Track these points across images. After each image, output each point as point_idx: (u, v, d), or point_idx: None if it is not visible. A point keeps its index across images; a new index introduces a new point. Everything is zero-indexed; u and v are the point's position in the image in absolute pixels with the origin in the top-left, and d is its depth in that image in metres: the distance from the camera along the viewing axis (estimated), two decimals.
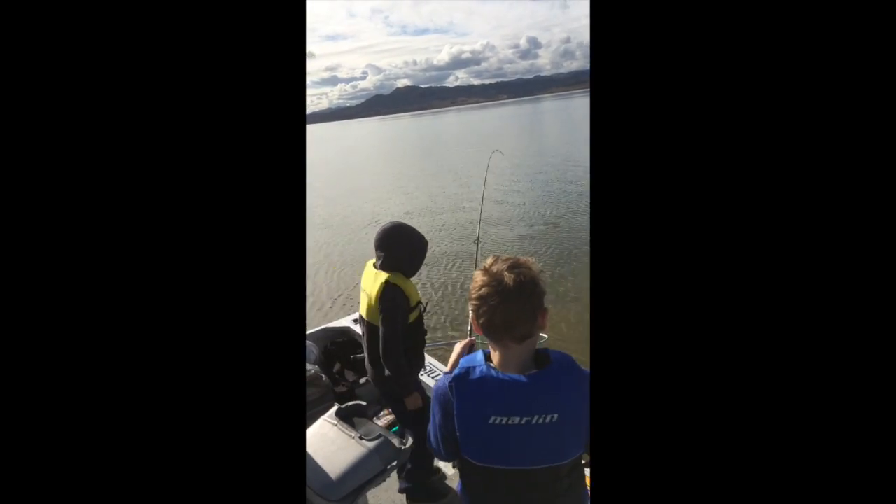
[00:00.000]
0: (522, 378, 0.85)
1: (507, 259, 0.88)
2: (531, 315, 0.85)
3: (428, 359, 2.36)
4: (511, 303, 0.83)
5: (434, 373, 2.34)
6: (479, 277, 0.88)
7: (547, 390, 0.84)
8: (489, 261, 0.89)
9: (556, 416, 0.83)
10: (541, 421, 0.84)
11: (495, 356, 0.90)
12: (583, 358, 0.81)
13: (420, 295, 1.76)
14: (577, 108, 55.07)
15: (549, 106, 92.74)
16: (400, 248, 1.67)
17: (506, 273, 0.85)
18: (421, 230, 1.78)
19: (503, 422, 0.85)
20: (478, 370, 0.89)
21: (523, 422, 0.84)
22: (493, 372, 0.87)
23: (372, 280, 1.70)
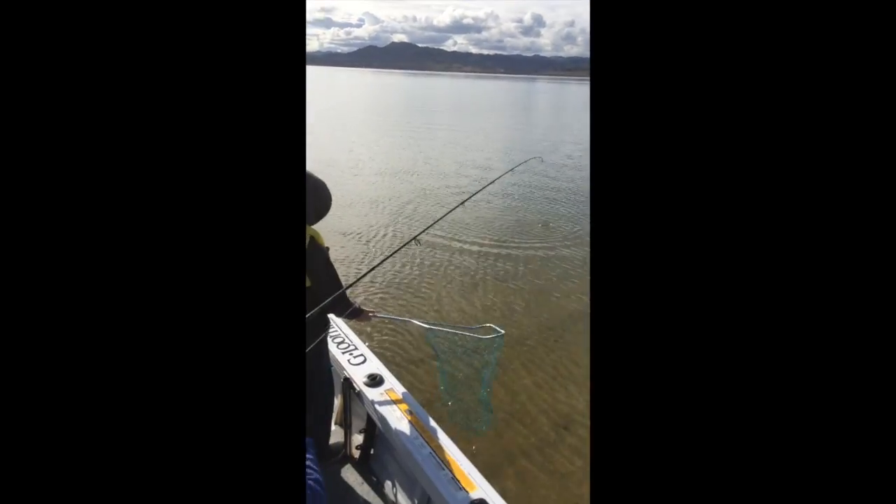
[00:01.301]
0: None
1: None
2: None
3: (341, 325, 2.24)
4: None
5: (348, 346, 2.09)
6: None
7: None
8: None
9: None
10: None
11: None
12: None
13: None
14: (574, 94, 55.90)
15: (545, 87, 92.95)
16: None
17: None
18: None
19: None
20: None
21: None
22: None
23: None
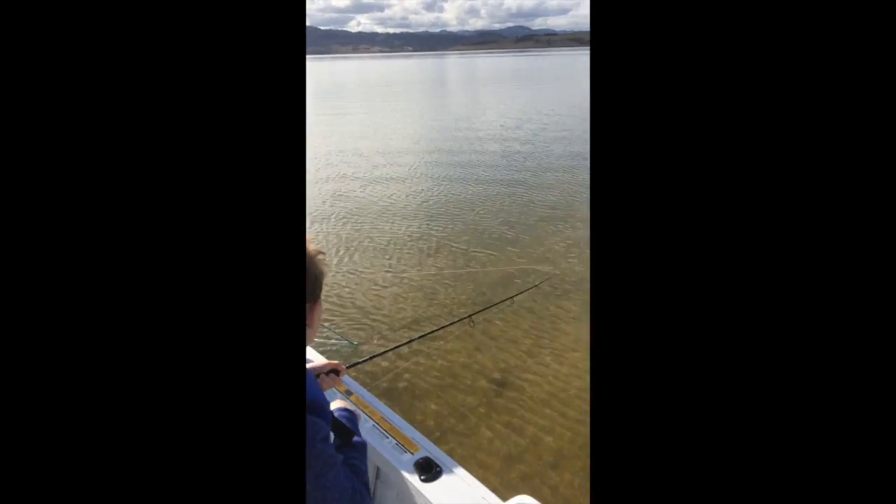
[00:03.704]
0: None
1: None
2: None
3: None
4: None
5: None
6: None
7: None
8: None
9: None
10: None
11: None
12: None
13: None
14: (481, 66, 56.86)
15: (455, 62, 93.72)
16: None
17: None
18: None
19: None
20: None
21: None
22: None
23: None
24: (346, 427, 0.92)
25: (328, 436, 0.80)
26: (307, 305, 0.81)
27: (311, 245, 0.82)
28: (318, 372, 1.12)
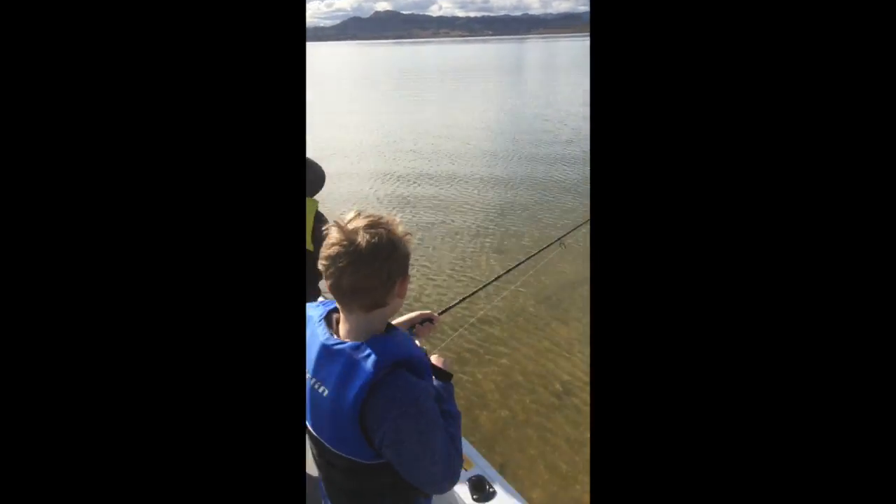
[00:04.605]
0: (332, 340, 0.81)
1: (368, 216, 0.79)
2: (385, 281, 0.78)
3: None
4: (362, 266, 0.76)
5: None
6: (332, 234, 0.78)
7: (337, 361, 0.79)
8: (349, 215, 0.80)
9: (327, 390, 0.79)
10: (318, 388, 0.81)
11: (342, 325, 0.83)
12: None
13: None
14: (562, 50, 54.50)
15: (535, 46, 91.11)
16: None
17: (361, 232, 0.76)
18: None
19: (308, 378, 0.83)
20: (309, 326, 0.86)
21: (312, 382, 0.83)
22: (317, 330, 0.84)
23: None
24: (444, 371, 0.97)
25: (433, 395, 0.83)
26: (399, 279, 0.82)
27: (401, 227, 0.83)
28: (413, 323, 1.13)
